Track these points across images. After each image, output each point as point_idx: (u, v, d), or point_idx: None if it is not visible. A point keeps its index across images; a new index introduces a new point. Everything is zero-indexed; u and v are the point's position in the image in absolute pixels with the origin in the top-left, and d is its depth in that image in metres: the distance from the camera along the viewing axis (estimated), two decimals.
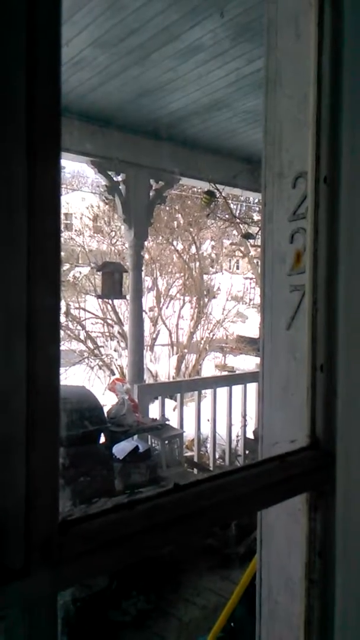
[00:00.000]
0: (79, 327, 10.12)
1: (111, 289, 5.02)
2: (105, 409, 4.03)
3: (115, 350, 9.78)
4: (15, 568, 0.52)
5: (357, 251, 0.91)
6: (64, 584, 0.59)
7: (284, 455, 0.88)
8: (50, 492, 0.55)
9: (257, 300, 12.04)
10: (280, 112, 1.03)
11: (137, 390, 4.46)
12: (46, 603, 0.56)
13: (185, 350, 10.30)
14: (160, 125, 4.35)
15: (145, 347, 8.41)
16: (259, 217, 7.07)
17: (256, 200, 8.60)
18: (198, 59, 3.26)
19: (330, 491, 0.93)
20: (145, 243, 5.18)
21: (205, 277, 11.40)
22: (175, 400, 5.64)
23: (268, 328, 1.07)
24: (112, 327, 10.03)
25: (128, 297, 5.27)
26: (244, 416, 5.40)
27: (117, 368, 9.40)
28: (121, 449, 3.89)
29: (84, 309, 10.23)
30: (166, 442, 4.33)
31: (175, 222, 10.80)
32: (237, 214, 8.78)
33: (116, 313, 9.82)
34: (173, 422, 4.81)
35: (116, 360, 9.59)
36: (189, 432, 5.19)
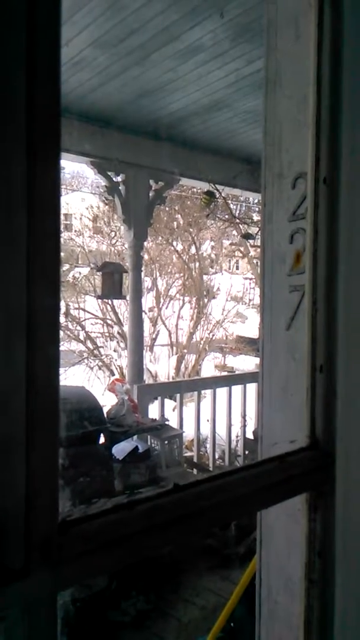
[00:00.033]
0: (78, 328, 10.12)
1: (111, 289, 5.02)
2: (105, 410, 4.03)
3: (114, 351, 9.78)
4: (15, 568, 0.52)
5: (356, 251, 0.92)
6: (64, 584, 0.59)
7: (284, 455, 0.88)
8: (49, 492, 0.55)
9: (257, 300, 12.04)
10: (280, 112, 1.03)
11: (136, 391, 4.46)
12: (46, 603, 0.56)
13: (185, 351, 10.31)
14: (160, 126, 4.35)
15: (145, 348, 8.41)
16: (259, 218, 7.07)
17: (256, 201, 8.61)
18: (198, 60, 3.27)
19: (329, 491, 0.93)
20: (145, 243, 5.18)
21: (204, 277, 11.40)
22: (175, 401, 5.64)
23: (268, 328, 1.07)
24: (112, 327, 10.03)
25: (128, 297, 5.27)
26: (244, 416, 5.40)
27: (116, 368, 9.40)
28: (121, 450, 3.89)
29: (84, 310, 10.23)
30: (166, 442, 4.33)
31: (175, 223, 10.80)
32: (236, 215, 8.79)
33: (116, 313, 9.82)
34: (172, 422, 4.80)
35: (116, 360, 9.59)
36: (189, 433, 5.19)
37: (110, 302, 9.37)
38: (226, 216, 8.93)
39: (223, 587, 3.18)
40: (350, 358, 0.92)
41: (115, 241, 10.53)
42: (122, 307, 9.47)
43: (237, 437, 5.52)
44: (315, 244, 0.93)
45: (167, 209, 9.84)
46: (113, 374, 9.20)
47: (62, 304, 9.47)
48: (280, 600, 1.04)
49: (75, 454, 3.29)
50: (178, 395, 5.03)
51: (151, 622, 2.92)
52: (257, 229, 6.86)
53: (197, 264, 10.95)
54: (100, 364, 9.67)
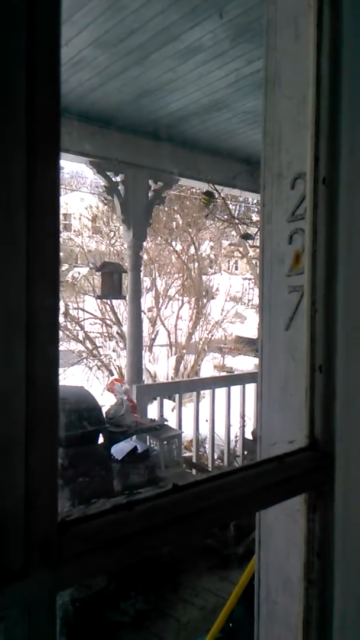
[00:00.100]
0: (77, 328, 10.12)
1: (111, 289, 5.03)
2: (104, 410, 4.03)
3: (113, 351, 9.78)
4: (15, 569, 0.52)
5: (356, 252, 0.92)
6: (64, 584, 0.59)
7: (283, 455, 0.88)
8: (49, 492, 0.55)
9: (256, 300, 12.04)
10: (279, 113, 1.03)
11: (135, 391, 4.46)
12: (45, 603, 0.56)
13: (184, 351, 10.31)
14: (160, 126, 4.35)
15: (144, 348, 8.42)
16: (258, 218, 7.07)
17: (255, 201, 8.61)
18: (198, 60, 3.27)
19: (329, 492, 0.93)
20: (144, 243, 5.18)
21: (204, 277, 11.41)
22: (174, 401, 5.64)
23: (267, 329, 1.07)
24: (111, 327, 10.03)
25: (127, 297, 5.27)
26: (243, 417, 5.40)
27: (115, 368, 9.40)
28: (120, 450, 3.89)
29: (83, 310, 10.23)
30: (165, 442, 4.33)
31: (174, 223, 10.81)
32: (236, 215, 8.79)
33: (115, 313, 9.82)
34: (172, 422, 4.80)
35: (115, 360, 9.59)
36: (188, 433, 5.19)
37: (109, 302, 9.37)
38: (225, 216, 8.94)
39: (222, 588, 3.18)
40: (350, 358, 0.92)
41: (115, 241, 10.54)
42: (121, 307, 9.47)
43: (236, 437, 5.52)
44: (315, 244, 0.93)
45: (166, 209, 9.84)
46: (112, 374, 9.20)
47: (62, 304, 9.47)
48: (279, 601, 1.04)
49: (74, 454, 3.29)
50: (177, 396, 5.03)
51: (150, 623, 2.92)
52: (256, 229, 6.86)
53: (196, 264, 10.95)
54: (99, 364, 9.67)
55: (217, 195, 5.40)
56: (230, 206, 8.30)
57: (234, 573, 3.20)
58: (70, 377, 9.06)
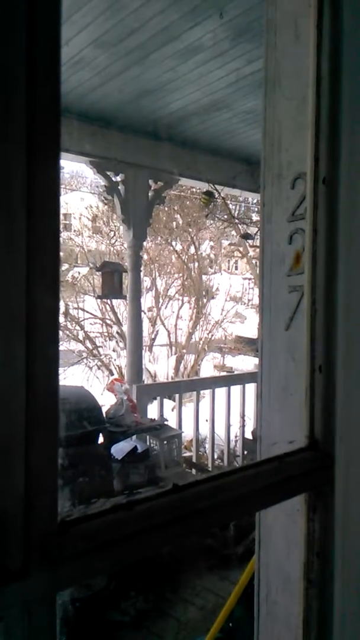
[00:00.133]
0: (77, 328, 10.12)
1: (111, 288, 5.02)
2: (104, 409, 4.03)
3: (113, 351, 9.78)
4: (15, 569, 0.52)
5: (355, 252, 0.92)
6: (63, 584, 0.59)
7: (283, 455, 0.88)
8: (49, 492, 0.55)
9: (256, 300, 12.03)
10: (279, 112, 1.03)
11: (135, 391, 4.46)
12: (45, 603, 0.56)
13: (184, 351, 10.31)
14: (160, 126, 4.35)
15: (144, 348, 8.42)
16: (258, 218, 7.07)
17: (255, 201, 8.61)
18: (198, 59, 3.27)
19: (329, 492, 0.93)
20: (144, 243, 5.18)
21: (204, 277, 11.40)
22: (174, 401, 5.64)
23: (267, 328, 1.07)
24: (111, 327, 10.03)
25: (127, 297, 5.27)
26: (243, 416, 5.40)
27: (115, 368, 9.40)
28: (120, 449, 3.89)
29: (83, 309, 10.23)
30: (165, 442, 4.33)
31: (174, 223, 10.80)
32: (236, 215, 8.79)
33: (115, 313, 9.82)
34: (171, 422, 4.80)
35: (115, 360, 9.59)
36: (188, 433, 5.19)
37: (109, 302, 9.37)
38: (225, 216, 8.93)
39: (222, 587, 3.18)
40: (350, 358, 0.92)
41: (115, 241, 10.54)
42: (121, 307, 9.47)
43: (236, 437, 5.52)
44: (315, 244, 0.93)
45: (166, 209, 9.84)
46: (112, 374, 9.20)
47: (62, 304, 9.47)
48: (279, 601, 1.04)
49: (74, 453, 3.29)
50: (177, 395, 5.03)
51: (150, 622, 2.92)
52: (256, 229, 6.86)
53: (196, 264, 10.95)
54: (99, 363, 9.67)
55: (217, 195, 5.40)
56: (231, 206, 8.31)
57: (234, 573, 3.20)
58: (70, 376, 9.06)
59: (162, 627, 2.91)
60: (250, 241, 8.38)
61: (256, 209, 9.21)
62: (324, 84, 0.92)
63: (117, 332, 9.66)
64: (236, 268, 15.60)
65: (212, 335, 10.77)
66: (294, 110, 1.00)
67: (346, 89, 0.91)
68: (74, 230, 11.40)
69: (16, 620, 0.53)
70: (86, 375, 9.35)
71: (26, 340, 0.52)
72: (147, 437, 4.34)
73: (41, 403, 0.54)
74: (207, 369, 11.29)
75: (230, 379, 5.83)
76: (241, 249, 12.16)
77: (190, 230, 10.52)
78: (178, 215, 10.63)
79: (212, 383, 5.40)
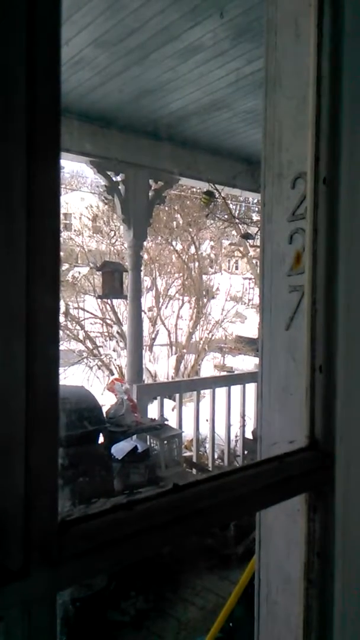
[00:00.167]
0: (78, 327, 10.12)
1: (112, 288, 5.02)
2: (104, 409, 4.03)
3: (114, 350, 9.78)
4: (15, 568, 0.52)
5: (356, 252, 0.92)
6: (64, 584, 0.59)
7: (283, 455, 0.88)
8: (49, 492, 0.55)
9: (256, 300, 12.04)
10: (279, 112, 1.03)
11: (136, 390, 4.46)
12: (46, 603, 0.56)
13: (184, 351, 10.31)
14: (160, 126, 4.35)
15: (144, 347, 8.42)
16: (258, 218, 7.07)
17: (255, 201, 8.61)
18: (198, 59, 3.26)
19: (329, 492, 0.93)
20: (145, 243, 5.17)
21: (204, 277, 11.41)
22: (174, 401, 5.64)
23: (267, 328, 1.07)
24: (111, 327, 10.03)
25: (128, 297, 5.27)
26: (243, 416, 5.40)
27: (116, 368, 9.40)
28: (120, 449, 3.89)
29: (83, 309, 10.23)
30: (165, 442, 4.33)
31: (175, 223, 10.80)
32: (236, 214, 8.79)
33: (115, 313, 9.82)
34: (172, 422, 4.80)
35: (115, 360, 9.59)
36: (188, 432, 5.19)
37: (109, 301, 9.37)
38: (226, 216, 8.93)
39: (222, 587, 3.18)
40: (350, 358, 0.92)
41: (115, 241, 10.54)
42: (122, 306, 9.47)
43: (236, 437, 5.52)
44: (315, 244, 0.93)
45: (166, 208, 9.84)
46: (112, 374, 9.20)
47: (62, 304, 9.47)
48: (280, 600, 1.04)
49: (74, 453, 3.29)
50: (177, 395, 5.03)
51: (150, 622, 2.92)
52: (257, 229, 6.86)
53: (197, 263, 10.95)
54: (99, 363, 9.68)
55: (217, 195, 5.40)
56: (231, 206, 8.31)
57: (234, 573, 3.20)
58: (70, 376, 9.06)
59: (162, 627, 2.91)
60: (250, 241, 8.38)
61: (256, 209, 9.21)
62: (325, 84, 0.92)
63: (118, 332, 9.66)
64: (236, 268, 15.60)
65: (213, 335, 10.77)
66: (294, 110, 1.00)
67: (347, 88, 0.91)
68: (75, 230, 11.41)
69: (16, 620, 0.53)
70: (86, 375, 9.35)
71: (26, 340, 0.52)
72: (148, 436, 4.34)
73: (41, 403, 0.54)
74: (208, 369, 11.29)
75: (231, 379, 5.83)
76: (241, 248, 12.16)
77: (190, 230, 10.52)
78: (178, 215, 10.63)
79: (213, 383, 5.40)
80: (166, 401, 5.28)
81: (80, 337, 10.05)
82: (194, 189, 8.63)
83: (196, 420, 5.01)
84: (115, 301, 9.22)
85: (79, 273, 10.86)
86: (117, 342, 9.70)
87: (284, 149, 1.02)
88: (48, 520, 0.55)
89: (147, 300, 10.02)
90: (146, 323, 9.70)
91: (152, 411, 4.92)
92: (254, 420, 5.23)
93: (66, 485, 3.13)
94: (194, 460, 5.09)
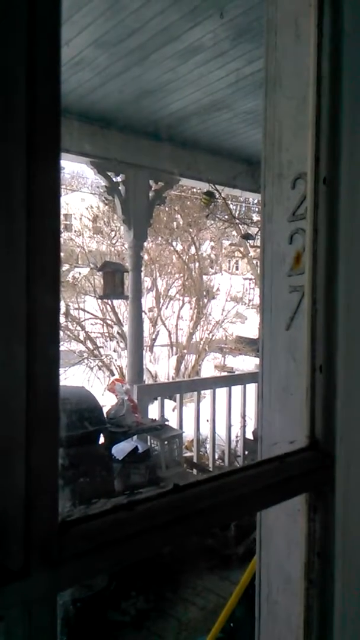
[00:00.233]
0: (78, 328, 10.12)
1: (113, 289, 5.02)
2: (105, 410, 4.03)
3: (114, 351, 9.78)
4: (15, 569, 0.52)
5: (356, 252, 0.92)
6: (64, 584, 0.59)
7: (283, 455, 0.88)
8: (50, 492, 0.55)
9: (257, 300, 12.04)
10: (280, 112, 1.03)
11: (136, 391, 4.46)
12: (46, 603, 0.56)
13: (185, 351, 10.31)
14: (160, 126, 4.35)
15: (145, 348, 8.41)
16: (259, 218, 7.07)
17: (256, 201, 8.61)
18: (198, 60, 3.27)
19: (329, 492, 0.93)
20: (145, 244, 5.18)
21: (204, 277, 11.40)
22: (175, 401, 5.64)
23: (267, 329, 1.07)
24: (112, 327, 10.04)
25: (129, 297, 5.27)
26: (244, 417, 5.40)
27: (116, 368, 9.40)
28: (120, 450, 3.89)
29: (84, 310, 10.23)
30: (165, 442, 4.33)
31: (175, 223, 10.81)
32: (236, 215, 8.79)
33: (115, 314, 9.82)
34: (172, 422, 4.80)
35: (115, 360, 9.59)
36: (189, 433, 5.19)
37: (110, 302, 9.37)
38: (226, 216, 8.94)
39: (223, 587, 3.18)
40: (350, 358, 0.92)
41: (115, 241, 10.54)
42: (122, 307, 9.47)
43: (236, 437, 5.52)
44: (315, 244, 0.93)
45: (166, 209, 9.84)
46: (113, 374, 9.20)
47: (62, 304, 9.47)
48: (280, 601, 1.04)
49: (75, 454, 3.29)
50: (178, 396, 5.03)
51: (151, 622, 2.92)
52: (257, 229, 6.86)
53: (197, 264, 10.95)
54: (100, 364, 9.68)
55: (217, 195, 5.40)
56: (231, 206, 8.30)
57: (235, 573, 3.20)
58: (71, 377, 9.06)
59: (162, 627, 2.91)
60: (250, 241, 8.38)
61: (257, 209, 9.21)
62: (325, 84, 0.92)
63: (118, 333, 9.66)
64: (237, 268, 15.59)
65: (213, 336, 10.77)
66: (294, 110, 1.00)
67: (347, 88, 0.91)
68: (75, 231, 11.41)
69: (17, 620, 0.53)
70: (87, 376, 9.35)
71: (27, 341, 0.52)
72: (148, 437, 4.34)
73: (42, 403, 0.54)
74: (208, 369, 11.28)
75: (231, 379, 5.83)
76: (242, 249, 12.16)
77: (190, 230, 10.52)
78: (179, 216, 10.63)
79: (213, 383, 5.40)
80: (167, 402, 5.28)
81: (81, 337, 10.05)
82: (194, 190, 8.63)
83: (197, 420, 5.01)
84: (115, 302, 9.22)
85: (80, 274, 10.86)
86: (117, 342, 9.70)
87: (284, 149, 1.02)
88: (48, 520, 0.55)
89: (147, 301, 10.02)
90: (147, 323, 9.70)
91: (153, 412, 4.92)
92: (255, 420, 5.23)
93: (67, 485, 3.13)
94: (195, 460, 5.09)
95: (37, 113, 0.52)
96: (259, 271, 1.22)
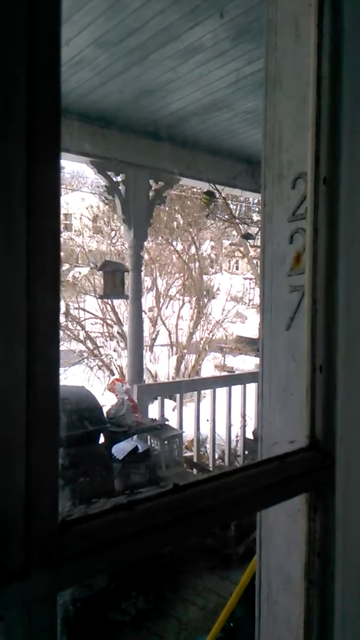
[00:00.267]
0: (78, 328, 10.12)
1: (113, 288, 5.02)
2: (105, 409, 4.03)
3: (114, 351, 9.78)
4: (15, 569, 0.52)
5: (356, 252, 0.92)
6: (64, 584, 0.59)
7: (284, 455, 0.88)
8: (50, 492, 0.55)
9: (257, 300, 12.04)
10: (280, 112, 1.03)
11: (136, 391, 4.46)
12: (46, 603, 0.56)
13: (185, 351, 10.30)
14: (160, 126, 4.35)
15: (145, 348, 8.41)
16: (259, 218, 7.07)
17: (256, 201, 8.61)
18: (198, 59, 3.27)
19: (329, 492, 0.93)
20: (145, 243, 5.18)
21: (204, 277, 11.40)
22: (175, 401, 5.64)
23: (267, 328, 1.07)
24: (112, 327, 10.03)
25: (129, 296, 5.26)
26: (244, 416, 5.40)
27: (116, 368, 9.40)
28: (120, 449, 3.89)
29: (84, 309, 10.23)
30: (165, 442, 4.33)
31: (175, 223, 10.80)
32: (236, 215, 8.79)
33: (115, 313, 9.82)
34: (172, 422, 4.80)
35: (116, 360, 9.59)
36: (189, 433, 5.19)
37: (110, 302, 9.37)
38: (226, 216, 8.93)
39: (223, 587, 3.18)
40: (350, 358, 0.92)
41: (115, 241, 10.54)
42: (122, 307, 9.48)
43: (237, 437, 5.52)
44: (315, 244, 0.93)
45: (167, 208, 9.84)
46: (113, 374, 9.20)
47: (62, 304, 9.47)
48: (280, 600, 1.04)
49: (75, 453, 3.29)
50: (178, 395, 5.03)
51: (151, 622, 2.92)
52: (257, 229, 6.86)
53: (197, 264, 10.95)
54: (100, 363, 9.67)
55: (217, 195, 5.40)
56: (231, 206, 8.30)
57: (235, 573, 3.20)
58: (71, 376, 9.06)
59: (162, 627, 2.91)
60: (251, 241, 8.37)
61: (257, 209, 9.21)
62: (325, 84, 0.92)
63: (118, 332, 9.66)
64: (237, 268, 15.60)
65: (213, 335, 10.77)
66: (294, 110, 1.00)
67: (347, 88, 0.91)
68: (75, 231, 11.41)
69: (17, 620, 0.53)
70: (87, 375, 9.35)
71: (27, 341, 0.52)
72: (148, 437, 4.34)
73: (42, 403, 0.54)
74: (208, 369, 11.28)
75: (231, 379, 5.82)
76: (242, 248, 12.16)
77: (191, 230, 10.52)
78: (179, 215, 10.63)
79: (213, 383, 5.40)
80: (167, 401, 5.28)
81: (81, 337, 10.05)
82: (195, 189, 8.63)
83: (197, 420, 5.01)
84: (115, 301, 9.22)
85: (80, 273, 10.86)
86: (117, 342, 9.70)
87: (284, 149, 1.02)
88: (48, 520, 0.55)
89: (147, 301, 10.02)
90: (147, 323, 9.70)
91: (153, 411, 4.92)
92: (255, 420, 5.23)
93: (67, 485, 3.13)
94: (195, 460, 5.09)
95: (37, 113, 0.52)
96: (259, 271, 1.22)
